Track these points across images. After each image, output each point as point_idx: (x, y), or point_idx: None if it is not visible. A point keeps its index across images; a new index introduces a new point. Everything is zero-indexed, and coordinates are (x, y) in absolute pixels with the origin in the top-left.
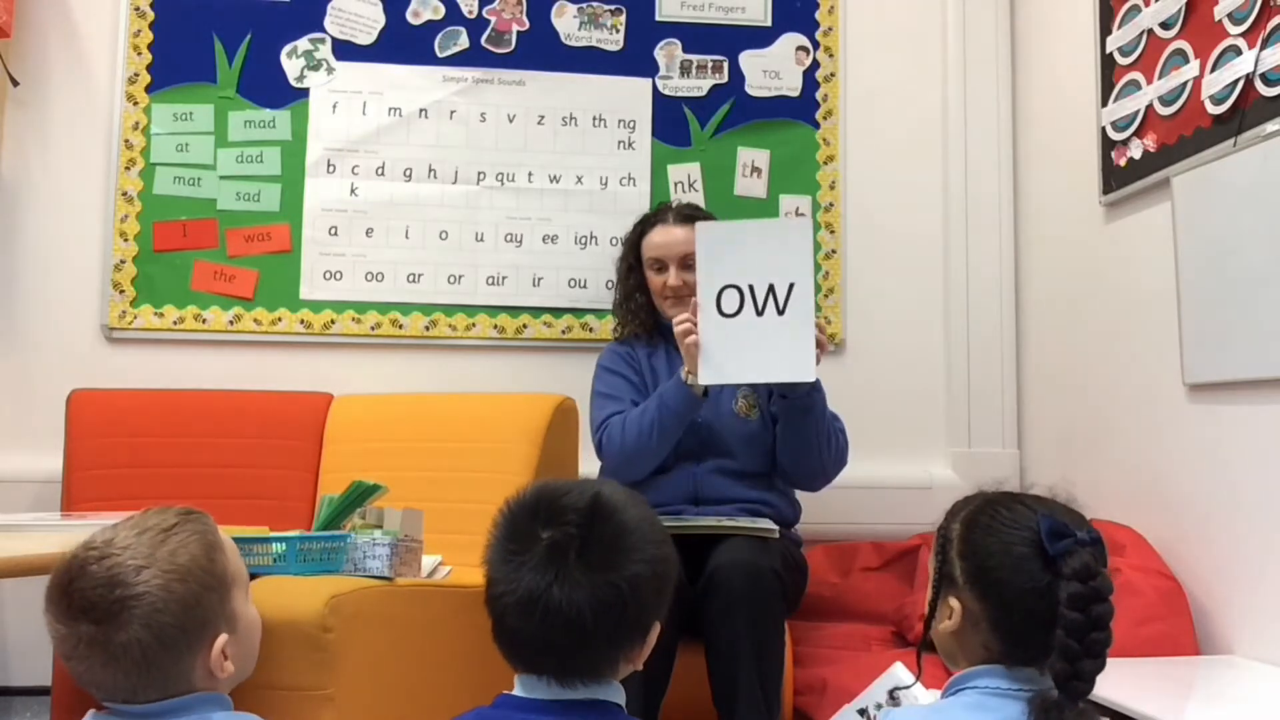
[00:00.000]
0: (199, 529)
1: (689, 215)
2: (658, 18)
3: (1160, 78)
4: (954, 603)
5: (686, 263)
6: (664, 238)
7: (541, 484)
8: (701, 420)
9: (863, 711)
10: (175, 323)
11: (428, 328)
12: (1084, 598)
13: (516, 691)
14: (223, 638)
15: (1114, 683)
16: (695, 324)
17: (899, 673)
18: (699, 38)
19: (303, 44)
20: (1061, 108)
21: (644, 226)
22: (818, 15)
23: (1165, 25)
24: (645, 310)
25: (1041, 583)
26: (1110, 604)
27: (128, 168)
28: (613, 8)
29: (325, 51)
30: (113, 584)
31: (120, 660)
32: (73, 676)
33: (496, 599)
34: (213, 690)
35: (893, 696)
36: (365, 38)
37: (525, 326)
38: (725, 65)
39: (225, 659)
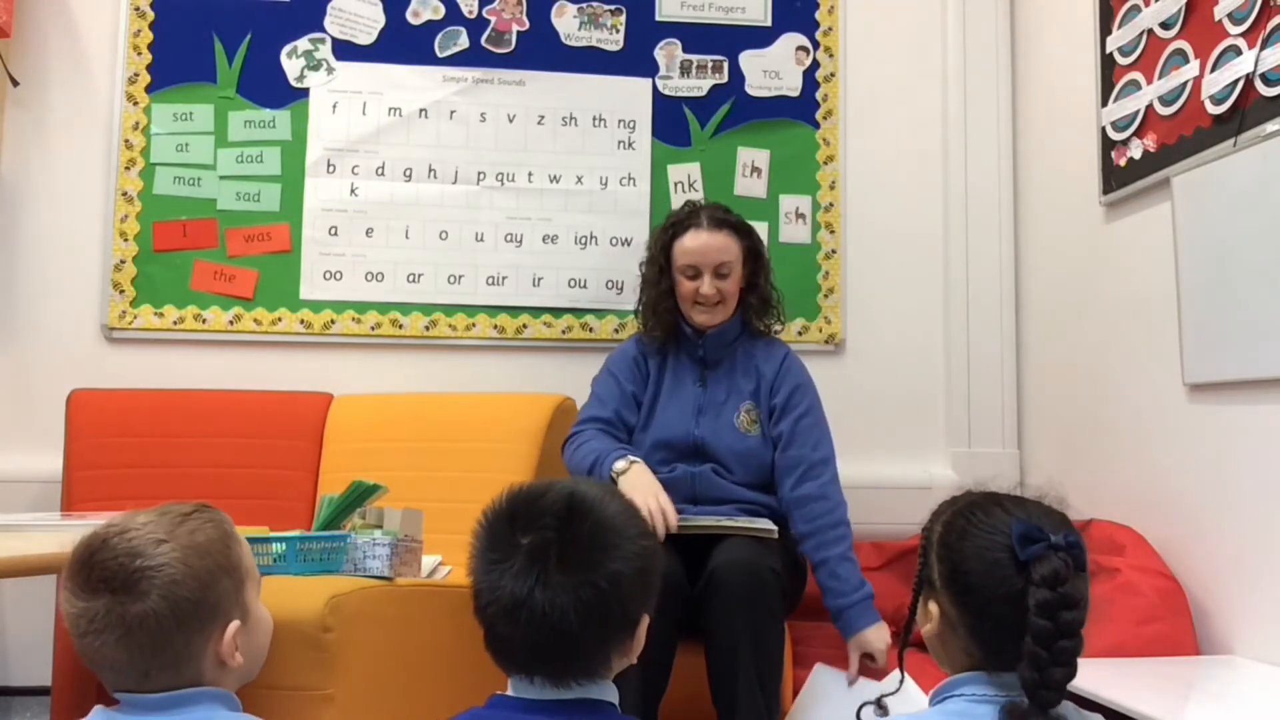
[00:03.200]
0: (215, 519)
1: (723, 220)
2: (658, 18)
3: (1160, 78)
4: (933, 607)
5: (720, 271)
6: (698, 243)
7: (516, 489)
8: (698, 434)
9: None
10: (175, 323)
11: (428, 328)
12: (1052, 604)
13: (510, 692)
14: (235, 624)
15: (1114, 683)
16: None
17: (893, 677)
18: (699, 38)
19: (303, 44)
20: (1061, 108)
21: (676, 230)
22: (818, 15)
23: (1165, 25)
24: (672, 313)
25: (1015, 588)
26: (1081, 611)
27: (128, 168)
28: (613, 8)
29: (325, 51)
30: (134, 554)
31: (135, 634)
32: (85, 660)
33: (484, 609)
34: (220, 684)
35: (880, 705)
36: (365, 38)
37: (525, 326)
38: (725, 65)
39: (236, 648)
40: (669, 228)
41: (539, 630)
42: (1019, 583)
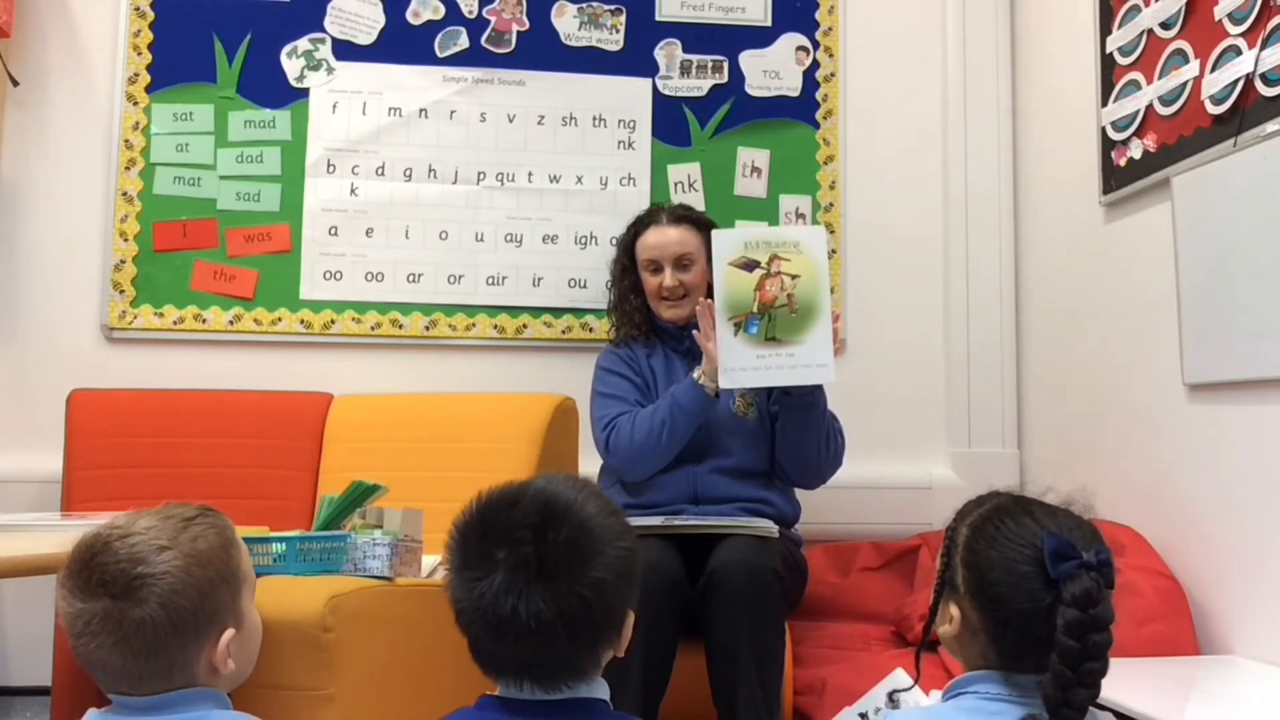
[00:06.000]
0: (218, 524)
1: (682, 216)
2: (658, 18)
3: (1160, 78)
4: (954, 609)
5: (682, 263)
6: (658, 238)
7: (485, 497)
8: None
9: (863, 715)
10: (175, 323)
11: (428, 328)
12: (1082, 625)
13: (499, 693)
14: (229, 632)
15: (1114, 683)
16: (712, 330)
17: (899, 676)
18: (699, 38)
19: (303, 44)
20: (1061, 108)
21: (638, 228)
22: (818, 15)
23: (1165, 25)
24: (640, 312)
25: (1042, 603)
26: (1109, 634)
27: (128, 168)
28: (613, 8)
29: (325, 51)
30: (135, 560)
31: (131, 640)
32: (78, 659)
33: (467, 625)
34: (212, 687)
35: (892, 699)
36: (365, 38)
37: (525, 326)
38: (725, 65)
39: (229, 655)
40: (631, 228)
41: (525, 644)
42: (1047, 597)
